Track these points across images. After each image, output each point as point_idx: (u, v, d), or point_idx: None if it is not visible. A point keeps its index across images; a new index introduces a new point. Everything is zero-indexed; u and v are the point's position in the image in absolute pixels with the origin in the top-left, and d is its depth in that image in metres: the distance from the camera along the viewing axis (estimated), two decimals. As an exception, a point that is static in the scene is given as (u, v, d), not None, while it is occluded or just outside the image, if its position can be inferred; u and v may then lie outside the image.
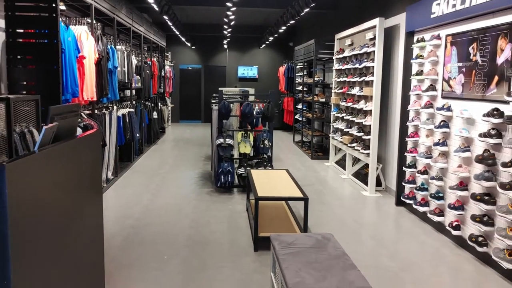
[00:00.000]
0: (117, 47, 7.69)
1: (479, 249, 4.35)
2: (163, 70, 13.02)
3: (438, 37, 5.34)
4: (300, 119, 12.08)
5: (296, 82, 13.20)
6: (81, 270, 2.77)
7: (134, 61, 9.09)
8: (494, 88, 4.31)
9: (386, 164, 7.21)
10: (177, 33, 13.31)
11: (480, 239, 4.36)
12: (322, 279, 2.83)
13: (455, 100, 4.99)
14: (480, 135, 4.33)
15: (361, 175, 7.88)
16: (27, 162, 2.05)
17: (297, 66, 13.00)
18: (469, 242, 4.51)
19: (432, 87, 5.48)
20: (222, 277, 3.97)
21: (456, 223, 4.81)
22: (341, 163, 8.92)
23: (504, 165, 3.95)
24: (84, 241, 2.81)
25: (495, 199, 4.22)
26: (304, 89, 11.87)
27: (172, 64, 15.97)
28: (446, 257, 4.56)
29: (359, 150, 7.41)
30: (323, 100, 10.43)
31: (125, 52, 8.17)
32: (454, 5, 4.87)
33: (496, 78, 4.27)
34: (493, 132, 4.17)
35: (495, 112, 4.13)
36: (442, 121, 5.15)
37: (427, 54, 5.57)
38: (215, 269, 4.11)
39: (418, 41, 5.81)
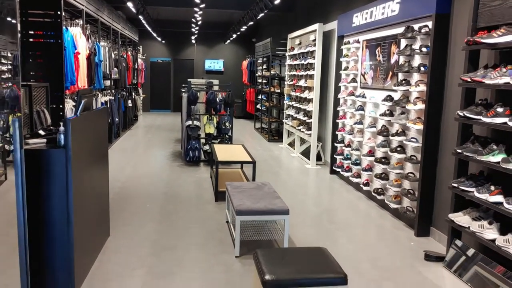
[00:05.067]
0: (101, 43, 9.02)
1: (378, 197, 6.00)
2: (136, 63, 14.33)
3: (358, 41, 6.95)
4: (260, 108, 13.63)
5: (257, 75, 14.72)
6: (99, 204, 4.22)
7: (113, 55, 10.42)
8: (389, 81, 5.95)
9: (325, 142, 8.84)
10: (149, 29, 14.61)
11: (380, 190, 6.01)
12: (256, 202, 4.37)
13: (368, 89, 6.61)
14: (380, 115, 5.96)
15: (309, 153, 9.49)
16: (76, 120, 3.48)
17: (258, 61, 14.52)
18: (373, 194, 6.15)
19: (353, 80, 7.10)
20: (190, 216, 5.47)
21: (366, 181, 6.45)
22: (293, 144, 10.51)
23: (393, 135, 5.59)
24: (102, 182, 4.26)
25: (389, 160, 5.86)
26: (264, 81, 13.41)
27: (144, 57, 17.25)
28: (358, 206, 6.20)
29: (304, 132, 9.01)
30: (279, 91, 12.03)
31: (107, 48, 9.50)
32: (366, 18, 6.49)
33: (391, 73, 5.90)
34: (387, 112, 5.80)
35: (388, 98, 5.76)
36: (359, 105, 6.77)
37: (351, 54, 7.18)
38: (185, 212, 5.61)
39: (345, 44, 7.43)
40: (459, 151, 3.97)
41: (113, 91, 10.27)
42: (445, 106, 4.77)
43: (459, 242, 4.12)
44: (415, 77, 5.21)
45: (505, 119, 3.43)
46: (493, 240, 3.54)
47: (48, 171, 3.31)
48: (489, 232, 3.61)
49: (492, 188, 3.60)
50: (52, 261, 3.38)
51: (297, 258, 2.90)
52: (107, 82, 10.30)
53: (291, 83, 10.26)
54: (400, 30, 5.55)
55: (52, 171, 3.31)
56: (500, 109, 3.51)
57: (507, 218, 3.49)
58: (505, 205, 3.42)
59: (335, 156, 7.74)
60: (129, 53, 12.98)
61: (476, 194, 3.73)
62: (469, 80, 3.83)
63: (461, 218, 3.98)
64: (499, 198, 3.51)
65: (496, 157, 3.52)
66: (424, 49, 4.95)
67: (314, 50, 8.55)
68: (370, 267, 4.17)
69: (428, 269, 4.14)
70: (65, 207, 3.34)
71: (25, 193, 3.07)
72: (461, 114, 3.93)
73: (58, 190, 3.32)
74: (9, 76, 5.81)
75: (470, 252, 3.94)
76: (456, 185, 4.00)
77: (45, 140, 3.52)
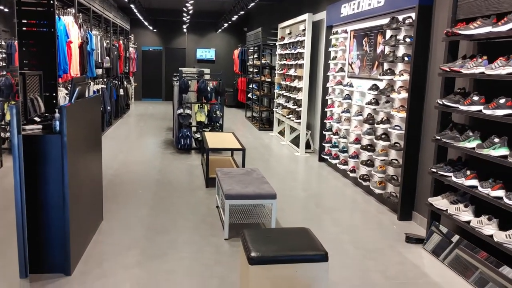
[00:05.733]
0: (93, 32, 9.10)
1: (364, 183, 6.20)
2: (127, 52, 14.38)
3: (346, 32, 7.11)
4: (251, 97, 13.76)
5: (248, 64, 14.84)
6: (93, 188, 4.37)
7: (104, 44, 10.49)
8: (375, 70, 6.12)
9: (314, 131, 9.02)
10: (141, 18, 14.64)
11: (365, 176, 6.21)
12: (245, 187, 4.54)
13: (355, 79, 6.78)
14: (366, 103, 6.14)
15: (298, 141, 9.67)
16: (71, 107, 3.62)
17: (249, 50, 14.63)
18: (359, 180, 6.35)
19: (341, 69, 7.26)
20: (182, 201, 5.63)
21: (353, 168, 6.65)
22: (283, 132, 10.68)
23: (378, 123, 5.78)
24: (95, 168, 4.40)
25: (374, 147, 6.05)
26: (255, 70, 13.54)
27: (135, 46, 17.28)
28: (344, 192, 6.40)
29: (294, 120, 9.18)
30: (269, 80, 12.17)
31: (98, 37, 9.58)
32: (353, 9, 6.64)
33: (376, 63, 6.07)
34: (373, 101, 5.98)
35: (374, 87, 5.94)
36: (346, 94, 6.95)
37: (339, 44, 7.33)
38: (177, 197, 5.77)
39: (333, 34, 7.58)
40: (438, 137, 4.16)
41: (105, 79, 10.36)
42: (427, 95, 4.95)
43: (437, 225, 4.33)
44: (399, 66, 5.39)
45: (480, 107, 3.62)
46: (468, 222, 3.74)
47: (45, 156, 3.46)
48: (464, 214, 3.81)
49: (468, 172, 3.79)
50: (49, 242, 3.54)
51: (281, 237, 3.09)
52: (99, 71, 10.39)
53: (281, 72, 10.41)
54: (385, 21, 5.71)
55: (48, 155, 3.46)
56: (475, 98, 3.69)
57: (482, 201, 3.69)
58: (479, 188, 3.62)
59: (323, 144, 7.92)
60: (121, 42, 13.04)
61: (453, 179, 3.93)
62: (448, 69, 4.01)
63: (440, 202, 4.18)
64: (474, 182, 3.70)
65: (472, 143, 3.71)
66: (407, 40, 5.12)
67: (304, 40, 8.69)
68: (353, 247, 4.37)
69: (408, 250, 4.35)
70: (60, 190, 3.49)
71: (23, 176, 3.21)
72: (440, 102, 4.12)
73: (54, 174, 3.47)
74: (4, 64, 5.90)
75: (448, 233, 4.15)
76: (435, 170, 4.20)
77: (41, 127, 3.67)
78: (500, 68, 3.37)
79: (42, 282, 3.44)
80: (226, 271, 3.76)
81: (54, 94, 6.38)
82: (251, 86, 14.05)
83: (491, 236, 3.43)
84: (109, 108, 10.15)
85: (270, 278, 2.77)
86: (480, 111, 3.61)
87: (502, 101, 3.38)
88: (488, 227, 3.50)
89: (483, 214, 3.65)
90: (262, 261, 2.75)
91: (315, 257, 2.82)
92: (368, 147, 6.10)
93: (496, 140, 3.45)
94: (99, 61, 9.69)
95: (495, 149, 3.43)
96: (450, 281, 3.76)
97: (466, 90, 4.06)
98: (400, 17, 5.35)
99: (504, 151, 3.37)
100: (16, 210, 3.24)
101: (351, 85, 6.81)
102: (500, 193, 3.40)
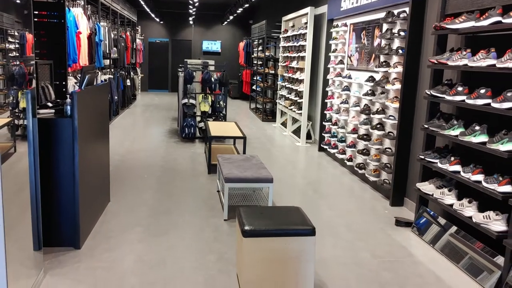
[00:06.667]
0: (101, 23, 9.37)
1: (360, 172, 6.45)
2: (134, 43, 14.65)
3: (346, 25, 7.32)
4: (256, 89, 14.00)
5: (253, 56, 15.05)
6: (100, 171, 4.65)
7: (112, 35, 10.75)
8: (372, 63, 6.34)
9: (315, 122, 9.26)
10: (148, 10, 14.89)
11: (361, 165, 6.46)
12: (244, 171, 4.81)
13: (353, 71, 7.00)
14: (363, 95, 6.37)
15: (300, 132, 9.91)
16: (81, 93, 3.89)
17: (254, 43, 14.84)
18: (355, 168, 6.60)
19: (341, 61, 7.49)
20: (185, 186, 5.91)
21: (350, 157, 6.89)
22: (286, 123, 10.93)
23: (374, 113, 6.02)
24: (103, 152, 4.68)
25: (370, 137, 6.29)
26: (259, 62, 13.76)
27: (142, 38, 17.55)
28: (341, 180, 6.65)
29: (295, 111, 9.42)
30: (273, 72, 12.40)
31: (106, 28, 9.85)
32: (352, 3, 6.85)
33: (373, 55, 6.29)
34: (369, 92, 6.21)
35: (370, 79, 6.17)
36: (345, 86, 7.18)
37: (339, 37, 7.55)
38: (180, 182, 6.05)
39: (334, 27, 7.80)
40: (426, 126, 4.40)
41: (112, 70, 10.64)
42: (419, 86, 5.18)
43: (425, 209, 4.58)
44: (394, 59, 5.61)
45: (464, 97, 3.85)
46: (451, 205, 3.99)
47: (57, 138, 3.74)
48: (448, 198, 4.06)
49: (452, 159, 4.03)
50: (60, 218, 3.83)
51: (274, 214, 3.35)
52: (107, 61, 10.67)
53: (284, 64, 10.64)
54: (382, 15, 5.92)
55: (60, 138, 3.74)
56: (460, 88, 3.93)
57: (465, 186, 3.93)
58: (462, 173, 3.86)
59: (323, 134, 8.16)
60: (128, 33, 13.31)
61: (439, 165, 4.17)
62: (435, 62, 4.24)
63: (427, 187, 4.43)
64: (457, 167, 3.95)
65: (456, 131, 3.95)
66: (402, 33, 5.34)
67: (306, 33, 8.90)
68: (345, 230, 4.63)
69: (397, 233, 4.61)
70: (71, 170, 3.78)
71: (37, 156, 3.49)
72: (429, 93, 4.35)
73: (65, 155, 3.75)
74: (17, 54, 6.18)
75: (434, 216, 4.40)
76: (423, 157, 4.45)
77: (53, 111, 3.95)
78: (481, 61, 3.60)
79: (54, 254, 3.74)
80: (224, 248, 4.03)
81: (63, 83, 6.67)
82: (255, 78, 14.27)
83: (471, 217, 3.68)
84: (116, 98, 10.43)
85: (262, 250, 3.04)
86: (463, 101, 3.84)
87: (482, 91, 3.61)
88: (468, 209, 3.75)
89: (465, 197, 3.90)
90: (254, 234, 3.02)
91: (304, 232, 3.08)
92: (365, 137, 6.33)
93: (477, 128, 3.69)
94: (107, 52, 9.96)
95: (475, 136, 3.67)
96: (434, 261, 4.01)
97: (453, 82, 4.29)
98: (396, 11, 5.57)
99: (483, 138, 3.61)
100: (30, 188, 3.52)
101: (349, 77, 7.03)
102: (480, 177, 3.64)
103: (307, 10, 8.84)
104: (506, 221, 3.39)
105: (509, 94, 3.33)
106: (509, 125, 3.48)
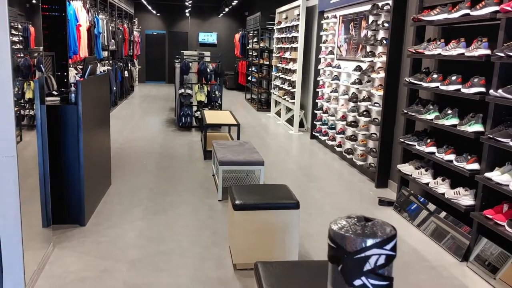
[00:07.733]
0: (99, 16, 9.64)
1: (348, 157, 6.78)
2: (132, 35, 14.91)
3: (335, 17, 7.63)
4: (251, 79, 14.30)
5: (248, 47, 15.33)
6: (102, 156, 4.97)
7: (110, 27, 11.03)
8: (359, 53, 6.66)
9: (308, 110, 9.58)
10: (144, 2, 15.12)
11: (349, 150, 6.79)
12: (237, 155, 5.14)
13: (342, 61, 7.32)
14: (351, 83, 6.69)
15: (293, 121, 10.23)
16: (85, 81, 4.20)
17: (249, 34, 15.12)
18: (344, 154, 6.94)
19: (331, 52, 7.80)
20: (182, 170, 6.24)
21: (339, 143, 7.23)
22: (280, 113, 11.25)
23: (361, 101, 6.34)
24: (104, 138, 5.00)
25: (357, 123, 6.62)
26: (254, 54, 14.05)
27: (139, 30, 17.78)
28: (331, 165, 6.99)
29: (289, 101, 9.74)
30: (268, 63, 12.71)
31: (105, 21, 10.12)
32: (341, -5, 7.16)
33: (360, 46, 6.61)
34: (357, 81, 6.53)
35: (358, 68, 6.49)
36: (335, 75, 7.49)
37: (329, 28, 7.85)
38: (178, 167, 6.38)
39: (325, 19, 8.10)
40: (406, 111, 4.73)
41: (110, 61, 10.92)
42: (401, 74, 5.50)
43: (405, 188, 4.92)
44: (379, 49, 5.93)
45: (438, 84, 4.18)
46: (427, 184, 4.33)
47: (63, 123, 4.06)
48: (425, 177, 4.40)
49: (428, 141, 4.37)
50: (67, 198, 4.16)
51: (263, 190, 3.69)
52: (105, 53, 10.95)
53: (278, 55, 10.94)
54: (368, 7, 6.23)
55: (66, 123, 4.06)
56: (435, 76, 4.25)
57: (441, 166, 4.27)
58: (436, 154, 4.20)
59: (315, 122, 8.49)
60: (125, 25, 13.57)
61: (417, 147, 4.51)
62: (414, 51, 4.56)
63: (406, 168, 4.77)
64: (432, 149, 4.28)
65: (431, 115, 4.28)
66: (386, 24, 5.66)
67: (298, 24, 9.20)
68: (330, 208, 4.98)
69: (380, 211, 4.95)
70: (76, 154, 4.10)
71: (46, 139, 3.81)
72: (408, 80, 4.68)
73: (71, 140, 4.07)
74: (20, 47, 6.47)
75: (413, 194, 4.74)
76: (403, 140, 4.78)
77: (59, 99, 4.26)
78: (452, 50, 3.92)
79: (61, 230, 4.07)
80: (218, 225, 4.37)
81: (65, 74, 6.98)
82: (251, 69, 14.56)
83: (443, 194, 4.02)
84: (114, 88, 10.73)
85: (251, 222, 3.38)
86: (438, 87, 4.17)
87: (453, 78, 3.94)
88: (442, 187, 4.09)
89: (439, 176, 4.24)
90: (244, 207, 3.35)
91: (289, 205, 3.42)
92: (352, 123, 6.66)
93: (449, 111, 4.02)
94: (105, 43, 10.24)
95: (447, 119, 4.00)
96: (411, 234, 4.36)
97: (430, 70, 4.61)
98: (380, 4, 5.87)
99: (454, 121, 3.94)
100: (39, 170, 3.83)
101: (339, 67, 7.35)
102: (451, 157, 3.98)
103: (299, 2, 9.13)
104: (473, 196, 3.73)
105: (475, 80, 3.66)
106: (476, 108, 3.81)
